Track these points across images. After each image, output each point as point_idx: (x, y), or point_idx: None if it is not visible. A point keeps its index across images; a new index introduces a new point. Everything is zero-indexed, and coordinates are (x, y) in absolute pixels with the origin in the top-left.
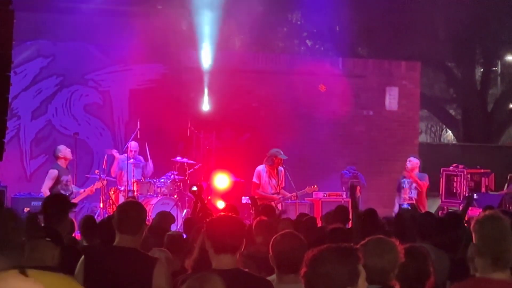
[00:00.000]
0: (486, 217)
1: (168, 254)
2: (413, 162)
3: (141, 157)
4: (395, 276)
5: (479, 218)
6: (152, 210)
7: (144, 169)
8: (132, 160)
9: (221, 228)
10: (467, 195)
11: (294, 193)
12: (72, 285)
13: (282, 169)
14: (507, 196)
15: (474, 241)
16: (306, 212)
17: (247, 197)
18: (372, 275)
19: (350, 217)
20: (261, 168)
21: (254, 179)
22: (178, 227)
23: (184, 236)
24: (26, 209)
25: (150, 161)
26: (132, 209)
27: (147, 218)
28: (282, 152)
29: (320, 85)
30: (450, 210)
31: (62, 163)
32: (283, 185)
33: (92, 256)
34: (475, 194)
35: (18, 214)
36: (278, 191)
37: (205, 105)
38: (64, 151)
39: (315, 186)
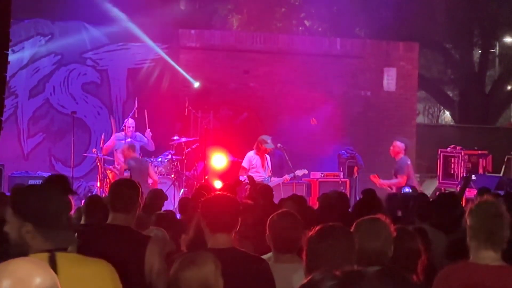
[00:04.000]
0: (484, 201)
1: (165, 233)
2: (396, 146)
3: (140, 135)
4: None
5: (476, 201)
6: (150, 190)
7: (146, 147)
8: (129, 140)
9: (216, 208)
10: (465, 175)
11: (285, 176)
12: (113, 276)
13: (268, 157)
14: (505, 178)
15: (468, 223)
16: (303, 193)
17: (245, 176)
18: (370, 257)
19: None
20: (251, 154)
21: (243, 164)
22: (175, 206)
23: (178, 216)
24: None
25: (150, 139)
26: (125, 187)
27: (144, 197)
28: (269, 141)
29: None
30: (449, 191)
31: None
32: (270, 173)
33: (84, 235)
34: (473, 175)
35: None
36: (270, 175)
37: (203, 85)
38: None
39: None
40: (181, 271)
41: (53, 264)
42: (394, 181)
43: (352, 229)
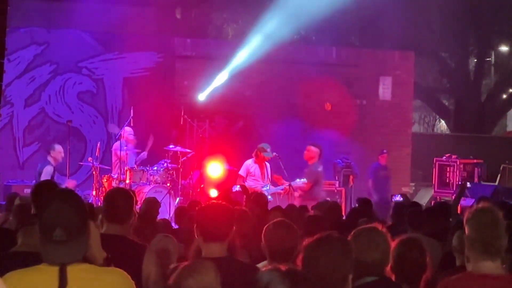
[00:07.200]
0: (479, 209)
1: (174, 240)
2: (311, 150)
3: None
4: (391, 268)
5: (472, 210)
6: (145, 198)
7: (137, 155)
8: (125, 148)
9: (210, 217)
10: (460, 183)
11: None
12: (128, 285)
13: (268, 164)
14: (500, 187)
15: (466, 232)
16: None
17: (238, 185)
18: (368, 268)
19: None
20: (249, 162)
21: (240, 172)
22: (171, 215)
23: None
24: None
25: (145, 152)
26: (118, 198)
27: (140, 206)
28: (269, 150)
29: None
30: (441, 200)
31: (52, 161)
32: (269, 181)
33: None
34: (468, 183)
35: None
36: (268, 183)
37: (199, 94)
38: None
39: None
40: (184, 280)
41: (63, 275)
42: (298, 184)
43: (349, 238)
